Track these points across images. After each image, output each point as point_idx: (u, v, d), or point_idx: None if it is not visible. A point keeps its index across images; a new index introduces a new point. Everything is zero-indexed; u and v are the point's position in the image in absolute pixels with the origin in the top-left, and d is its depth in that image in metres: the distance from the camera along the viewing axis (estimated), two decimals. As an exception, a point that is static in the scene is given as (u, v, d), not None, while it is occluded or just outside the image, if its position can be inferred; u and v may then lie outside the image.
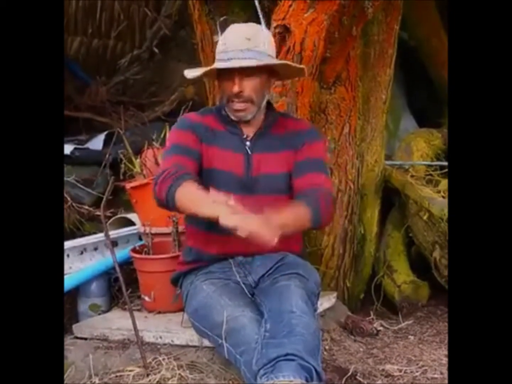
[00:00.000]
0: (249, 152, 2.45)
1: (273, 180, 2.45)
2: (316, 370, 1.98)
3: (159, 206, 2.38)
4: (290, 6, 2.80)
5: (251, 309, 2.25)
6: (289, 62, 2.54)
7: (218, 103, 2.58)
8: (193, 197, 2.24)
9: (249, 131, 2.48)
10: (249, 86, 2.37)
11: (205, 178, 2.41)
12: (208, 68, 2.41)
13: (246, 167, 2.43)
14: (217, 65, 2.38)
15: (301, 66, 2.59)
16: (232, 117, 2.44)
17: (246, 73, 2.35)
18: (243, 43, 2.35)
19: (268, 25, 2.93)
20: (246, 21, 3.21)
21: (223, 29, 2.50)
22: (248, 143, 2.46)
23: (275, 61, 2.46)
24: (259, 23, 2.92)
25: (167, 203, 2.29)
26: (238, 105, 2.40)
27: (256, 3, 3.00)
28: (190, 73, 2.45)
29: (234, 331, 2.16)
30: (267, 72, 2.42)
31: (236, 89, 2.35)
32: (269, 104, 2.54)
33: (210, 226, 2.39)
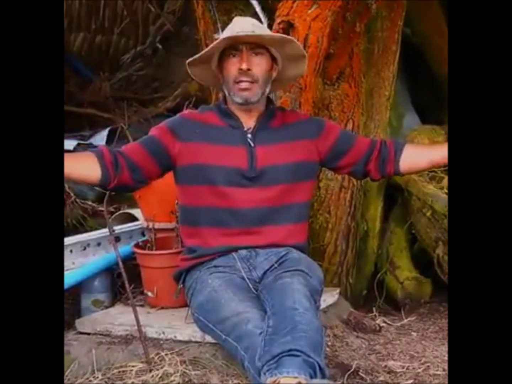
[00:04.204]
0: (252, 145, 2.46)
1: (279, 171, 2.47)
2: (320, 366, 1.98)
3: None
4: (294, 2, 2.80)
5: (256, 304, 2.26)
6: (295, 40, 2.54)
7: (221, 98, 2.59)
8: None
9: (249, 123, 2.50)
10: (256, 64, 2.41)
11: (196, 173, 2.45)
12: (216, 41, 2.40)
13: (249, 159, 2.45)
14: (226, 33, 2.41)
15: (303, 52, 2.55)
16: (237, 100, 2.44)
17: (254, 52, 2.41)
18: (249, 27, 2.40)
19: (270, 23, 2.92)
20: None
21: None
22: (249, 135, 2.48)
23: (285, 36, 2.53)
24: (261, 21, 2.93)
25: None
26: (244, 84, 2.40)
27: (254, 3, 2.99)
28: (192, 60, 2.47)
29: (238, 326, 2.16)
30: (270, 57, 2.47)
31: (244, 66, 2.38)
32: (268, 98, 2.56)
33: (207, 222, 2.44)
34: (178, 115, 2.60)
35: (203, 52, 2.46)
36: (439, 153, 2.51)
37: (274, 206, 2.46)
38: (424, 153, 2.62)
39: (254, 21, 2.49)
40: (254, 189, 2.44)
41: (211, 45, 2.43)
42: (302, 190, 2.53)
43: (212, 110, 2.56)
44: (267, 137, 2.49)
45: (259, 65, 2.42)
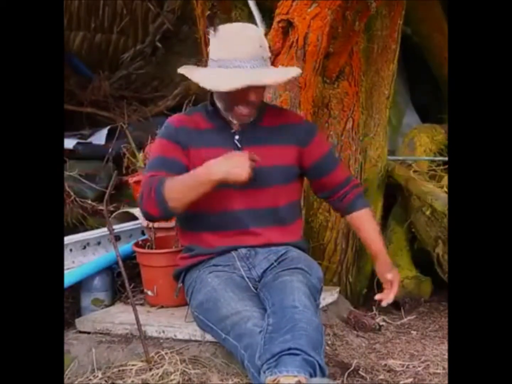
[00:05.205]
0: (239, 145, 2.44)
1: (266, 173, 2.41)
2: (319, 365, 1.99)
3: (153, 220, 2.57)
4: (294, 0, 2.80)
5: (256, 303, 2.26)
6: (298, 72, 2.47)
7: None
8: (180, 182, 2.28)
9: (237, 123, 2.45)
10: (260, 93, 2.39)
11: None
12: (244, 84, 2.25)
13: None
14: (251, 80, 2.27)
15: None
16: (234, 120, 2.42)
17: None
18: (256, 51, 2.32)
19: (270, 21, 2.92)
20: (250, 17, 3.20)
21: (212, 23, 2.40)
22: (236, 136, 2.44)
23: (295, 74, 2.43)
24: (256, 21, 2.91)
25: (161, 208, 2.30)
26: (246, 111, 2.38)
27: (251, 3, 2.98)
28: (221, 85, 2.31)
29: (238, 325, 2.17)
30: None
31: (253, 98, 2.34)
32: None
33: (204, 227, 2.44)
34: (167, 124, 2.51)
35: (230, 88, 2.28)
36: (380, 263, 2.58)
37: (263, 208, 2.45)
38: (368, 237, 2.60)
39: (257, 35, 2.38)
40: (244, 191, 2.39)
41: (235, 86, 2.27)
42: (289, 191, 2.52)
43: (200, 111, 2.52)
44: (254, 138, 2.44)
45: (261, 92, 2.41)
